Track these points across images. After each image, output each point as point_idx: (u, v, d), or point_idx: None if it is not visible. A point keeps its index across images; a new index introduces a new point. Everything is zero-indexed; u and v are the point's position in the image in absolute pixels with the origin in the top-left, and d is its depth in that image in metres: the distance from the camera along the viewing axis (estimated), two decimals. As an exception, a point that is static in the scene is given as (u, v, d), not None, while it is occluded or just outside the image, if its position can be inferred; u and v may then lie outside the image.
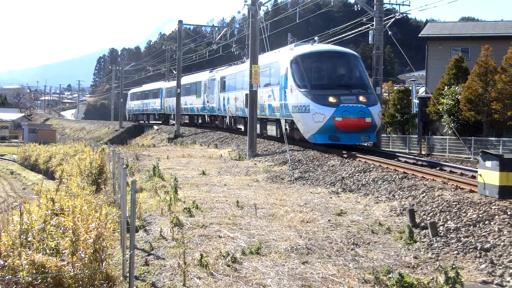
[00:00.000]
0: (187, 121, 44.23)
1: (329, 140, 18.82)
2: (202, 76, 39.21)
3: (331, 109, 18.56)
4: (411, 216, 9.00)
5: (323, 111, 18.63)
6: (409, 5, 26.85)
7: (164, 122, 50.97)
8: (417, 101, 30.44)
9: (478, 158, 9.62)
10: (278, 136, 23.00)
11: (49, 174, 28.94)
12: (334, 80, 20.76)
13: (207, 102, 36.32)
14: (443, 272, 6.14)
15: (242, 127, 28.96)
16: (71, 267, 6.06)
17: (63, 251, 6.47)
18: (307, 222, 9.47)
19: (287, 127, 21.69)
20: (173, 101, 43.10)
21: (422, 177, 12.34)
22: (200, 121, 40.99)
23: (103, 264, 6.49)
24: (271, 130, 24.36)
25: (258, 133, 23.49)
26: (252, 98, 22.27)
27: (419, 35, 38.98)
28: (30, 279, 5.65)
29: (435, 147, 29.52)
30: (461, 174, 12.76)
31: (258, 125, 23.72)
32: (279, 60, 22.51)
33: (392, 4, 26.83)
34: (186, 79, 43.40)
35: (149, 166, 17.57)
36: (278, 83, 22.15)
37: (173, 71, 52.69)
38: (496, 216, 8.42)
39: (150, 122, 57.63)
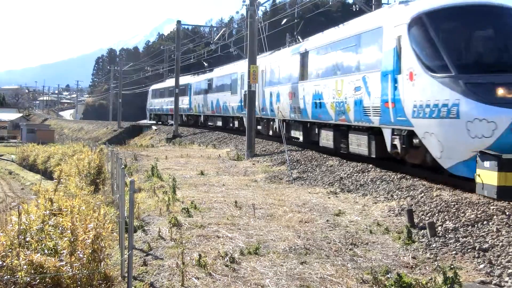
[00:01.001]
0: (220, 124, 34.71)
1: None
2: (238, 67, 30.15)
3: (510, 112, 9.73)
4: (409, 216, 9.00)
5: (491, 116, 9.75)
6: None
7: (194, 125, 42.99)
8: None
9: (478, 158, 9.60)
10: (374, 155, 14.07)
11: (47, 174, 28.90)
12: (503, 56, 11.31)
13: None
14: (441, 272, 6.15)
15: (300, 137, 20.44)
16: (69, 267, 6.06)
17: (62, 251, 6.46)
18: (306, 222, 9.47)
19: (396, 142, 12.74)
20: (203, 99, 37.09)
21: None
22: (236, 124, 30.91)
23: (102, 264, 6.48)
24: (359, 144, 14.82)
25: (331, 147, 16.99)
26: (250, 98, 22.25)
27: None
28: (28, 279, 5.64)
29: None
30: None
31: (330, 134, 16.91)
32: (381, 25, 13.44)
33: (389, 4, 26.83)
34: (218, 72, 35.38)
35: (148, 166, 17.57)
36: (376, 66, 13.46)
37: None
38: (495, 216, 8.43)
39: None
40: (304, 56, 19.33)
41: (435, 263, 7.07)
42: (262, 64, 24.09)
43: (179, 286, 6.32)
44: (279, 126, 21.86)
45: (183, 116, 45.50)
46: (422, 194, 10.61)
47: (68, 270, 6.02)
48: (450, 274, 5.98)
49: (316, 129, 18.54)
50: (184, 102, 43.09)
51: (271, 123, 24.16)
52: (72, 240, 6.40)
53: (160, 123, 53.68)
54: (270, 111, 23.38)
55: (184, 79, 43.72)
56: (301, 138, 20.27)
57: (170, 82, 48.97)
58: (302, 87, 19.14)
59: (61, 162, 25.40)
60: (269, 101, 23.38)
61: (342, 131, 16.16)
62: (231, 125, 32.35)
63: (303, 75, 19.32)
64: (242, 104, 26.90)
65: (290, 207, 10.88)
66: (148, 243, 8.16)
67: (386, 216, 9.90)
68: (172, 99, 43.89)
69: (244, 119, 25.82)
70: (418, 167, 12.76)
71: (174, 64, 44.21)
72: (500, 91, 10.02)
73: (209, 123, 37.91)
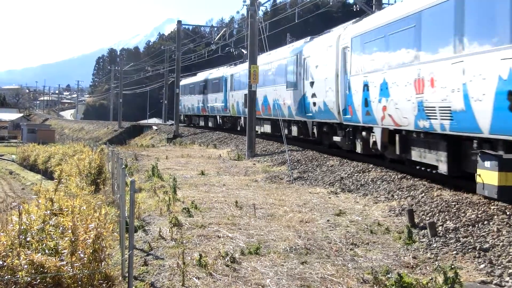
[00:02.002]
0: (268, 130, 25.64)
1: None
2: (297, 47, 21.48)
3: None
4: (410, 216, 9.00)
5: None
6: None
7: (230, 129, 33.44)
8: None
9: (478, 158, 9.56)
10: None
11: (48, 174, 28.91)
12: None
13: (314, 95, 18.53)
14: (442, 272, 6.14)
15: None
16: (70, 267, 6.06)
17: (62, 251, 6.46)
18: (306, 222, 9.47)
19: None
20: (243, 96, 27.32)
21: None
22: (294, 131, 22.19)
23: (102, 264, 6.48)
24: None
25: (444, 168, 10.82)
26: (251, 98, 22.26)
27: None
28: (29, 279, 5.64)
29: None
30: None
31: (443, 149, 10.85)
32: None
33: (390, 4, 26.85)
34: (266, 58, 25.02)
35: (148, 166, 17.57)
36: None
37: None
38: (495, 216, 8.43)
39: (209, 126, 39.32)
40: None
41: (436, 263, 7.06)
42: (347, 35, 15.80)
43: (180, 286, 6.32)
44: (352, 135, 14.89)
45: (216, 119, 36.63)
46: (423, 194, 10.61)
47: (68, 270, 6.02)
48: (450, 274, 5.98)
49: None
50: (216, 100, 34.91)
51: (365, 134, 14.89)
52: (73, 240, 6.40)
53: (192, 125, 45.89)
54: (365, 116, 14.32)
55: (217, 72, 36.56)
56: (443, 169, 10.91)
57: (202, 76, 41.52)
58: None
59: (62, 162, 25.41)
60: (362, 97, 14.36)
61: (466, 146, 10.48)
62: (286, 131, 21.43)
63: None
64: (307, 101, 19.28)
65: (291, 207, 10.89)
66: (148, 243, 8.16)
67: (386, 216, 9.90)
68: (201, 96, 38.78)
69: (308, 124, 20.17)
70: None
71: (174, 64, 44.21)
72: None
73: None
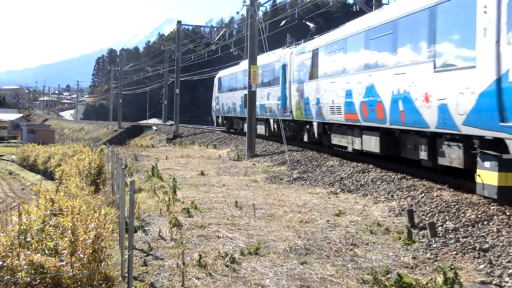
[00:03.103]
0: (374, 149, 14.32)
1: None
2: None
3: None
4: (409, 216, 9.00)
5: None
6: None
7: (293, 139, 22.24)
8: None
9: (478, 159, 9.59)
10: None
11: (47, 175, 28.95)
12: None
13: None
14: (441, 272, 6.14)
15: None
16: (69, 268, 6.06)
17: (62, 252, 6.46)
18: (306, 222, 9.47)
19: None
20: (319, 88, 18.09)
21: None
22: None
23: (102, 265, 6.48)
24: None
25: None
26: (251, 99, 22.27)
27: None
28: (28, 279, 5.65)
29: None
30: None
31: None
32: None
33: (389, 4, 26.82)
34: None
35: (148, 167, 17.58)
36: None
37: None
38: (495, 217, 8.43)
39: (258, 134, 25.14)
40: None
41: (436, 263, 7.06)
42: None
43: (180, 286, 6.32)
44: None
45: (269, 123, 25.26)
46: (423, 194, 10.61)
47: (68, 270, 6.02)
48: (450, 274, 5.98)
49: None
50: (268, 96, 24.29)
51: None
52: (72, 240, 6.41)
53: (233, 130, 32.79)
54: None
55: (268, 57, 24.53)
56: None
57: (245, 64, 25.78)
58: None
59: (62, 162, 25.43)
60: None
61: None
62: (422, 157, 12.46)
63: None
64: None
65: (291, 207, 10.89)
66: (148, 243, 8.16)
67: (386, 216, 9.90)
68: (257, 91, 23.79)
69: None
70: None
71: (174, 64, 44.23)
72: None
73: (335, 142, 17.53)
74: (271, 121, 24.93)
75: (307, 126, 20.41)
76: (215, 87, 36.39)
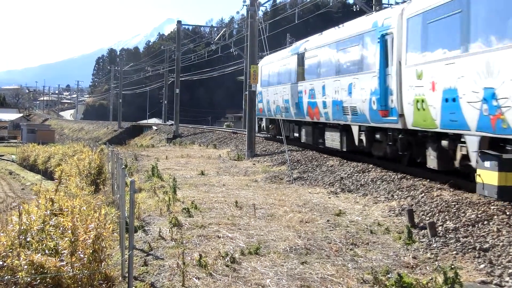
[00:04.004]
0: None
1: None
2: None
3: None
4: (410, 216, 9.00)
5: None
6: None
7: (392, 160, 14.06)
8: None
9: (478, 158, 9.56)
10: None
11: (48, 175, 28.94)
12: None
13: None
14: (442, 272, 6.14)
15: None
16: (70, 268, 6.06)
17: (62, 252, 6.46)
18: (306, 222, 9.47)
19: None
20: (478, 72, 9.42)
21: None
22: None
23: (102, 265, 6.48)
24: None
25: None
26: (250, 98, 22.26)
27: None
28: (29, 279, 5.65)
29: None
30: None
31: None
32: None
33: (390, 4, 26.82)
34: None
35: (148, 167, 17.57)
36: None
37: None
38: (495, 216, 8.43)
39: (326, 148, 18.00)
40: None
41: (436, 263, 7.06)
42: None
43: (180, 286, 6.32)
44: None
45: (349, 133, 15.92)
46: (423, 194, 10.61)
47: (68, 270, 6.02)
48: (450, 274, 5.97)
49: None
50: (350, 89, 15.53)
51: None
52: (72, 240, 6.41)
53: (281, 137, 21.32)
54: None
55: (342, 30, 17.12)
56: None
57: (315, 40, 19.43)
58: None
59: (62, 162, 25.42)
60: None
61: None
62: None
63: None
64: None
65: (291, 207, 10.89)
66: (148, 243, 8.16)
67: (386, 216, 9.90)
68: (313, 83, 18.34)
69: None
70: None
71: (174, 64, 44.22)
72: None
73: None
74: (355, 129, 15.45)
75: (447, 143, 11.09)
76: (260, 78, 24.89)
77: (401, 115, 12.58)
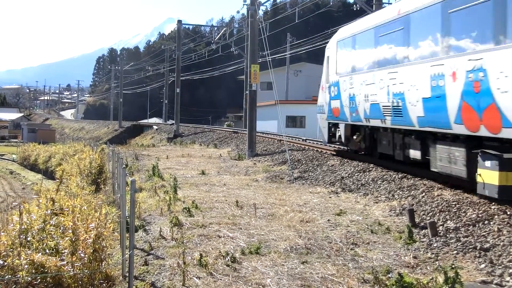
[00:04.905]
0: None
1: None
2: None
3: None
4: (410, 216, 9.00)
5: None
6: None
7: None
8: None
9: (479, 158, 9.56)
10: None
11: (48, 174, 28.95)
12: None
13: None
14: (442, 272, 6.14)
15: None
16: (70, 267, 6.06)
17: (63, 251, 6.46)
18: (307, 222, 9.47)
19: None
20: None
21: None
22: None
23: (103, 264, 6.48)
24: None
25: None
26: (251, 98, 22.25)
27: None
28: (29, 278, 5.65)
29: None
30: None
31: None
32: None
33: (391, 4, 26.82)
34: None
35: (149, 166, 17.58)
36: None
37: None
38: (496, 216, 8.42)
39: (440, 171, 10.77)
40: None
41: (436, 262, 7.06)
42: None
43: (180, 285, 6.32)
44: None
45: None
46: (423, 194, 10.60)
47: (69, 269, 6.02)
48: (451, 273, 5.97)
49: None
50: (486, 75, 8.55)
51: None
52: (73, 239, 6.40)
53: (363, 153, 15.90)
54: None
55: None
56: None
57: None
58: None
59: (62, 161, 25.43)
60: None
61: None
62: None
63: None
64: None
65: (291, 206, 10.88)
66: (149, 243, 8.16)
67: (387, 216, 9.89)
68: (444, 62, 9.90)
69: None
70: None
71: (175, 64, 44.21)
72: None
73: None
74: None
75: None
76: (326, 64, 17.44)
77: None
